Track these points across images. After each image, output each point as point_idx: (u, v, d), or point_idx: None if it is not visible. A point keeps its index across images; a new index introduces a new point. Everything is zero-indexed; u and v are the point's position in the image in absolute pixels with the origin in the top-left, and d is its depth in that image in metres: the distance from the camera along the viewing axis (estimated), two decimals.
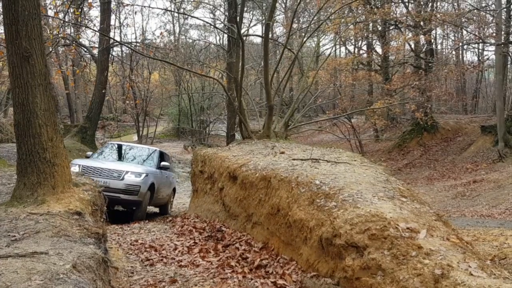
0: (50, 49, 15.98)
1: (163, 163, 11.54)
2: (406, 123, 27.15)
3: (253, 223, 6.36)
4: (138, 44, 18.55)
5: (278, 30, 37.67)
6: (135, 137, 30.71)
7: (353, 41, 31.09)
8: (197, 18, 24.90)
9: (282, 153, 7.44)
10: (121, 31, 40.25)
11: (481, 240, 6.69)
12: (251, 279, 4.98)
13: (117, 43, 18.53)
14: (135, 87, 24.28)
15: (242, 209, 6.77)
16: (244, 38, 21.77)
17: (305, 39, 11.89)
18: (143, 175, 10.17)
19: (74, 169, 9.32)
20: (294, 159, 6.69)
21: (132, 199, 9.96)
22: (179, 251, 6.32)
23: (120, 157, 11.55)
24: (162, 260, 5.93)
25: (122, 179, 9.87)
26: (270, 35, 30.69)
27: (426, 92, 19.97)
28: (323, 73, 23.53)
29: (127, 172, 10.00)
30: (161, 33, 32.09)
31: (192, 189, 10.49)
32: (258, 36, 19.99)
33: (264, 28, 10.49)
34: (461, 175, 18.50)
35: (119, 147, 12.20)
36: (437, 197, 16.21)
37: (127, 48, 18.06)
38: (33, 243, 3.22)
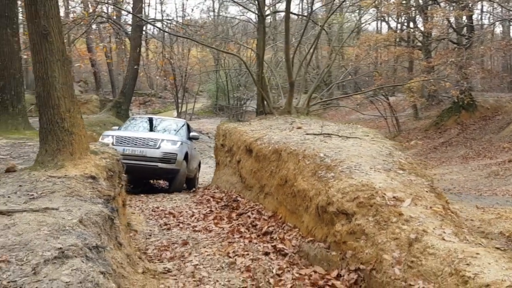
0: (92, 25, 16.58)
1: (192, 133, 11.44)
2: (447, 101, 26.48)
3: (265, 193, 6.68)
4: (166, 22, 18.91)
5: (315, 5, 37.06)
6: (175, 113, 31.39)
7: (394, 16, 30.30)
8: None
9: (299, 128, 7.66)
10: (161, 8, 40.81)
11: (504, 218, 6.72)
12: (256, 243, 5.33)
13: (146, 22, 18.99)
14: (170, 63, 24.78)
15: (256, 181, 7.10)
16: (276, 14, 21.75)
17: (330, 13, 11.86)
18: (179, 143, 10.02)
19: (108, 140, 9.42)
20: (307, 134, 6.93)
21: (170, 167, 9.76)
22: (195, 218, 6.75)
23: (150, 128, 11.39)
24: (178, 225, 6.37)
25: (159, 147, 9.69)
26: (308, 11, 30.42)
27: (463, 69, 19.39)
28: (358, 50, 23.21)
29: (162, 140, 9.85)
30: (192, 9, 32.22)
31: (215, 162, 10.87)
32: (281, 11, 19.90)
33: (285, 3, 10.57)
34: (497, 154, 18.07)
35: (147, 119, 12.06)
36: (470, 176, 15.96)
37: (163, 25, 18.46)
38: (47, 201, 3.64)
